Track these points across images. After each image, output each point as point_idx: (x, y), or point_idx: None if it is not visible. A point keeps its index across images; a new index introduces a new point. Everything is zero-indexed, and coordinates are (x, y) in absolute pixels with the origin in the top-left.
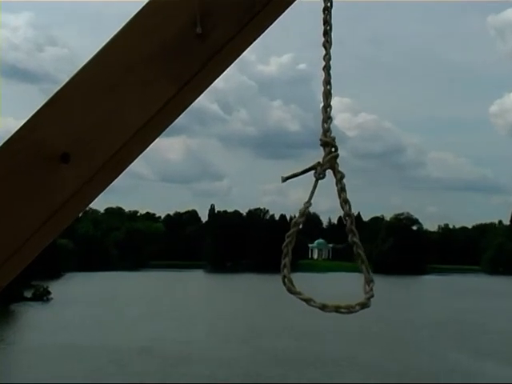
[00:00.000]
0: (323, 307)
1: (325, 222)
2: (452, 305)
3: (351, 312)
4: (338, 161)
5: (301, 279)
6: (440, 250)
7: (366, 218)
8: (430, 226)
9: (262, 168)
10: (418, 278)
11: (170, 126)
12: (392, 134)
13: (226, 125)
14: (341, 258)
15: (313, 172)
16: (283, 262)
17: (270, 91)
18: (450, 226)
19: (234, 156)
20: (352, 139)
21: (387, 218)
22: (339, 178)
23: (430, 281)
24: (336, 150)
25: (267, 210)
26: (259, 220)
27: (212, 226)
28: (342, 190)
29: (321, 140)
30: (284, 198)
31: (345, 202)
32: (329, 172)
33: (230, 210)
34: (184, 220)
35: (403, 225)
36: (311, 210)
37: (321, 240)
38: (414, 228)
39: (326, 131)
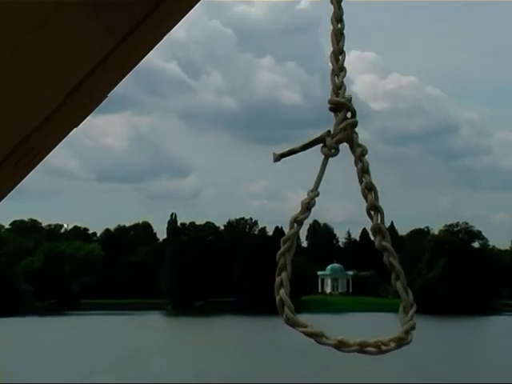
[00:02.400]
0: (340, 345)
1: (341, 239)
2: None
3: (383, 352)
4: (356, 130)
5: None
6: None
7: (402, 231)
8: (500, 241)
9: (247, 158)
10: (482, 321)
11: (106, 99)
12: (439, 106)
13: (192, 95)
14: (366, 292)
15: (320, 147)
16: (278, 280)
17: (256, 44)
18: None
19: (205, 141)
20: (378, 114)
21: (434, 230)
22: (359, 154)
23: (502, 324)
24: (354, 114)
25: (255, 221)
26: (244, 236)
27: (174, 247)
28: (363, 171)
29: (330, 102)
30: (279, 203)
31: (368, 189)
32: (344, 149)
33: (199, 221)
34: (131, 238)
35: (459, 241)
36: (321, 220)
37: (336, 265)
38: (476, 245)
39: (338, 88)
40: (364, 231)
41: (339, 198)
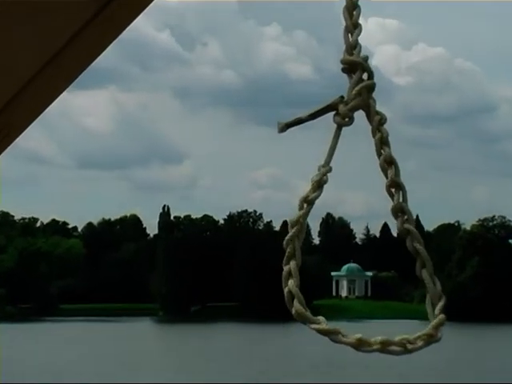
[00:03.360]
0: (359, 344)
1: (359, 234)
2: None
3: (409, 351)
4: (374, 95)
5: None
6: None
7: (429, 226)
8: None
9: (250, 141)
10: None
11: (87, 71)
12: (472, 81)
13: (187, 68)
14: (387, 296)
15: (332, 115)
16: (287, 269)
17: (260, 10)
18: None
19: (202, 122)
20: (401, 90)
21: (466, 225)
22: (377, 122)
23: None
24: (370, 76)
25: (260, 214)
26: (247, 231)
27: (166, 243)
28: (382, 142)
29: (343, 61)
30: (288, 194)
31: (388, 163)
32: (359, 118)
33: (195, 214)
34: (117, 233)
35: (494, 237)
36: (335, 213)
37: (352, 265)
38: None
39: (353, 47)
40: (385, 226)
41: (356, 188)
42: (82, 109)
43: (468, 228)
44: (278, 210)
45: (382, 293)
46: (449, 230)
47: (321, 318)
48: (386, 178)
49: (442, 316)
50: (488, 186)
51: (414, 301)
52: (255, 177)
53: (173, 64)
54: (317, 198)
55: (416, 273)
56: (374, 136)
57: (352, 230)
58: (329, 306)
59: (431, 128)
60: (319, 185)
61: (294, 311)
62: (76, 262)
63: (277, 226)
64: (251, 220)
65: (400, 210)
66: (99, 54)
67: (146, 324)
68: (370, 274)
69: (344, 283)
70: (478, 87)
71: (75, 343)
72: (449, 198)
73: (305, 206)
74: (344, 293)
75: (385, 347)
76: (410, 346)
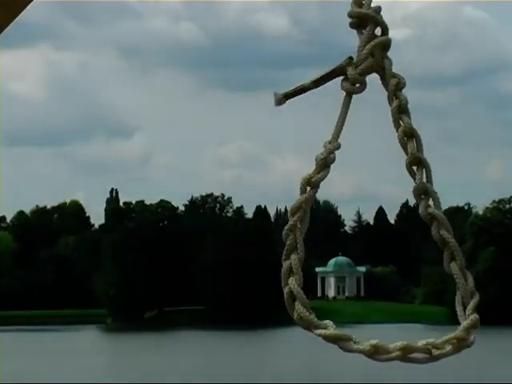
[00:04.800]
0: (375, 352)
1: (349, 221)
2: None
3: (435, 358)
4: (388, 54)
5: (302, 341)
6: None
7: None
8: None
9: (215, 110)
10: None
11: (13, 26)
12: (484, 34)
13: (136, 21)
14: (383, 296)
15: (340, 81)
16: (287, 265)
17: None
18: None
19: (156, 86)
20: (399, 46)
21: (478, 209)
22: (394, 87)
23: None
24: (384, 31)
25: (229, 199)
26: (213, 219)
27: (115, 235)
28: (400, 111)
29: (350, 14)
30: (261, 173)
31: (408, 136)
32: (373, 81)
33: (150, 199)
34: (55, 223)
35: None
36: (320, 195)
37: (341, 258)
38: None
39: None
40: (380, 211)
41: (345, 165)
42: (8, 71)
43: (480, 212)
44: (250, 193)
45: (377, 292)
46: (457, 215)
47: (328, 321)
48: (406, 153)
49: (475, 316)
50: (504, 161)
51: (416, 301)
52: (222, 153)
53: (119, 16)
54: (322, 179)
55: (444, 267)
56: (390, 104)
57: (340, 217)
58: (313, 309)
59: (435, 91)
60: (326, 164)
61: (295, 315)
62: (4, 260)
63: (249, 213)
64: (218, 205)
65: (423, 192)
66: (21, 10)
67: (92, 333)
68: (362, 269)
69: (331, 281)
70: (490, 41)
71: (1, 359)
72: (457, 176)
73: (308, 189)
74: (331, 293)
75: (405, 354)
76: (436, 352)
